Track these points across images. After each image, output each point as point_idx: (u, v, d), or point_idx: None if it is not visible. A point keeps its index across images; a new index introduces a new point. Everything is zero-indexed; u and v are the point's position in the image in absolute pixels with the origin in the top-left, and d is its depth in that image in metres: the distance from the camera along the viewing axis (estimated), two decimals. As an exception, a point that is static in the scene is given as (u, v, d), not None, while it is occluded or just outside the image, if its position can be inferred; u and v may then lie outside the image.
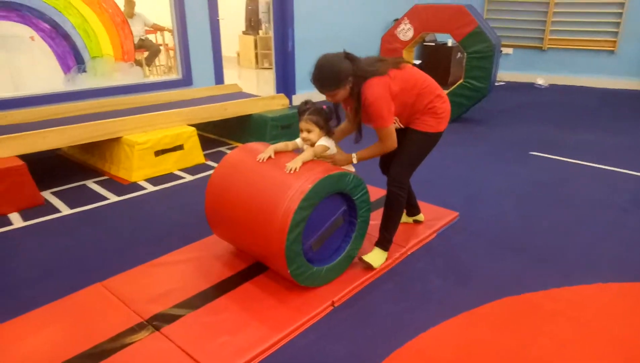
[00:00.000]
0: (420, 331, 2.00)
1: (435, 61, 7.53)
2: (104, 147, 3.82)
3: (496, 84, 8.06)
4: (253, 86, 7.89)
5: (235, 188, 2.21)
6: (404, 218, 2.82)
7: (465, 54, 5.19)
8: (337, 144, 2.43)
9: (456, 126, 5.31)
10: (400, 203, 2.43)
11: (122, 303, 2.14)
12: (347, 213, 2.32)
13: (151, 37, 6.89)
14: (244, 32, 9.68)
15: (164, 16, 5.18)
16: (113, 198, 3.37)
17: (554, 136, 4.99)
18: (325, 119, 2.29)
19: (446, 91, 5.39)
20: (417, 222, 2.89)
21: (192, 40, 5.11)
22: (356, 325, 2.05)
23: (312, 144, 2.29)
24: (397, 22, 5.44)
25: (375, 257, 2.44)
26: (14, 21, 3.99)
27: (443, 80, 7.14)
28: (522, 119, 5.75)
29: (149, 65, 8.21)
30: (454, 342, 1.95)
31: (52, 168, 3.93)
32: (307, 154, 2.22)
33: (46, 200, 3.30)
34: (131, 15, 7.84)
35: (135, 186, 3.58)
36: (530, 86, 7.95)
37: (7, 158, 3.17)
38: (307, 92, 6.00)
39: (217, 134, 4.88)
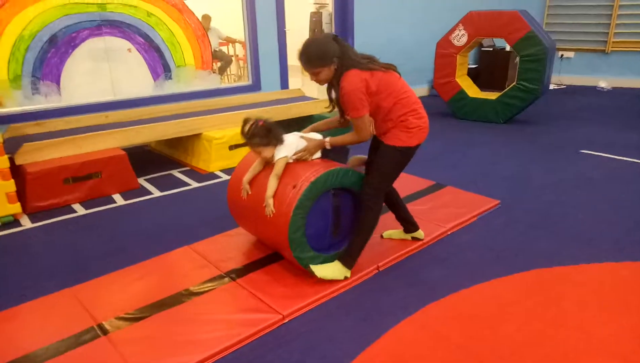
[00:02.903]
0: (453, 291, 2.33)
1: (492, 66, 7.68)
2: (186, 142, 4.43)
3: (557, 87, 8.05)
4: (314, 91, 8.39)
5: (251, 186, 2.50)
6: (402, 234, 2.79)
7: (519, 57, 5.38)
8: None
9: (508, 127, 5.50)
10: (371, 218, 2.40)
11: (205, 261, 2.64)
12: (352, 208, 2.51)
13: (224, 48, 7.60)
14: (308, 43, 10.25)
15: (236, 30, 5.79)
16: (194, 184, 3.95)
17: (608, 136, 5.05)
18: (266, 133, 2.32)
19: (499, 94, 5.61)
20: (416, 239, 2.77)
21: (262, 50, 5.68)
22: (397, 284, 2.42)
23: (272, 159, 2.39)
24: (452, 28, 5.72)
25: (327, 269, 2.37)
26: (116, 36, 4.73)
27: (500, 84, 7.27)
28: (578, 121, 5.80)
29: (221, 74, 8.98)
30: (483, 301, 2.26)
31: (143, 160, 4.59)
32: (273, 178, 2.31)
33: (141, 185, 3.93)
34: (207, 29, 8.64)
35: (212, 175, 4.15)
36: (592, 90, 7.86)
37: (111, 149, 3.83)
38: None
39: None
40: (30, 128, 4.12)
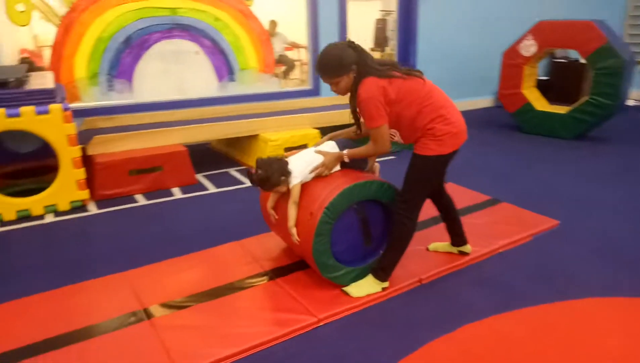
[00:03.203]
0: (496, 313, 2.23)
1: (564, 78, 7.27)
2: (244, 142, 4.58)
3: (636, 104, 7.49)
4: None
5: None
6: (449, 247, 2.70)
7: (593, 70, 5.07)
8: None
9: (577, 143, 5.19)
10: (403, 231, 2.29)
11: (250, 257, 2.72)
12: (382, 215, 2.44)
13: (289, 53, 7.77)
14: (371, 49, 10.25)
15: (302, 35, 5.89)
16: (248, 183, 4.06)
17: (692, 159, 4.63)
18: (265, 181, 2.30)
19: (569, 108, 5.31)
20: (463, 254, 2.68)
21: (323, 55, 5.74)
22: (437, 299, 2.36)
23: (288, 189, 2.35)
24: (521, 38, 5.50)
25: (362, 287, 2.34)
26: (185, 39, 4.98)
27: (573, 98, 6.86)
28: (658, 140, 5.37)
29: (284, 78, 9.18)
30: (525, 326, 2.15)
31: (203, 157, 4.79)
32: (292, 206, 2.29)
33: (199, 181, 4.10)
34: (273, 34, 8.86)
35: (266, 176, 4.25)
36: (679, 107, 7.24)
37: (174, 145, 4.03)
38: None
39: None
40: (102, 122, 4.43)
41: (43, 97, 3.24)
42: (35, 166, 3.89)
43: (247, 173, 2.38)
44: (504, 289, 2.44)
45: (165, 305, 2.27)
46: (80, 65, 4.57)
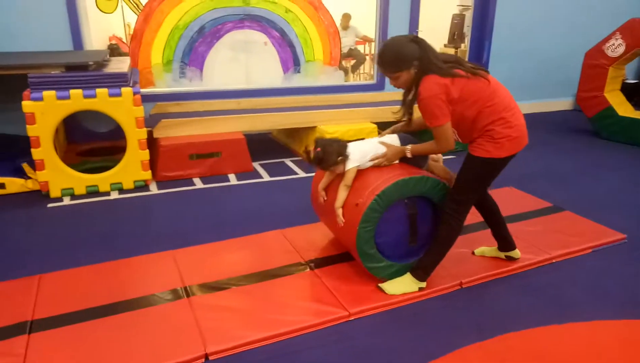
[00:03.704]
0: (539, 325, 2.10)
1: (658, 83, 6.62)
2: (302, 133, 4.63)
3: None
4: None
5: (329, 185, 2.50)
6: (496, 252, 2.59)
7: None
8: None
9: (664, 154, 4.72)
10: (449, 231, 2.24)
11: (291, 246, 2.76)
12: (432, 215, 2.38)
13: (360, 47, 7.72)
14: (446, 45, 9.92)
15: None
16: (301, 174, 4.13)
17: None
18: (322, 159, 2.27)
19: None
20: (510, 259, 2.56)
21: (390, 49, 5.65)
22: (476, 305, 2.26)
23: (344, 171, 2.32)
24: (607, 37, 5.07)
25: (398, 284, 2.30)
26: (255, 30, 5.12)
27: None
28: None
29: (353, 72, 9.14)
30: (571, 341, 2.01)
31: (263, 146, 4.91)
32: (343, 188, 2.30)
33: (255, 168, 4.22)
34: (346, 27, 8.84)
35: (321, 168, 4.28)
36: None
37: (233, 133, 4.17)
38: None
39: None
40: (172, 107, 4.67)
41: (117, 81, 3.48)
42: (109, 145, 4.20)
43: (305, 151, 2.38)
44: (552, 301, 2.29)
45: (205, 286, 2.37)
46: (157, 52, 4.85)
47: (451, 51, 9.67)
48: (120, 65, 3.94)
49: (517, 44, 6.14)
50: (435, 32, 9.92)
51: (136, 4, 4.77)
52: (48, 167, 3.45)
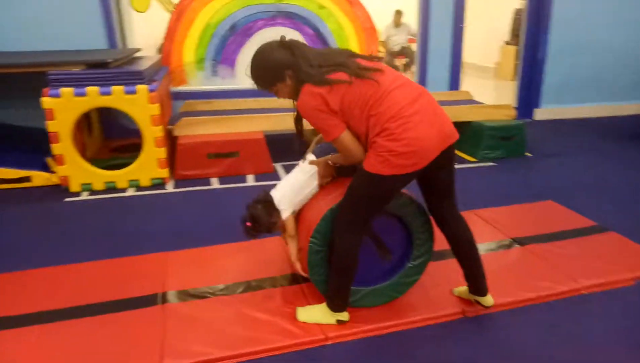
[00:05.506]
0: (546, 369, 1.77)
1: None
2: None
3: None
4: (498, 96, 7.53)
5: None
6: (467, 294, 2.12)
7: None
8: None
9: None
10: (342, 257, 1.90)
11: (288, 257, 2.57)
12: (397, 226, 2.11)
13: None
14: (507, 43, 9.29)
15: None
16: (322, 177, 3.92)
17: None
18: (261, 221, 2.10)
19: None
20: (480, 305, 2.07)
21: (432, 46, 5.30)
22: (477, 339, 1.96)
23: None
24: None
25: (313, 312, 2.03)
26: (288, 27, 4.98)
27: None
28: None
29: (405, 71, 8.77)
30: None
31: (288, 147, 4.75)
32: (289, 240, 2.16)
33: (275, 169, 4.07)
34: (398, 24, 8.50)
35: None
36: None
37: (252, 132, 4.04)
38: (554, 107, 5.44)
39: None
40: (201, 105, 4.64)
41: (133, 78, 3.46)
42: (138, 142, 4.23)
43: (243, 227, 2.17)
44: (569, 339, 1.94)
45: (184, 293, 2.25)
46: (189, 50, 4.85)
47: (512, 48, 9.02)
48: (145, 63, 3.94)
49: (577, 40, 5.47)
50: (495, 29, 9.35)
51: (168, 3, 4.79)
52: (67, 162, 3.51)
